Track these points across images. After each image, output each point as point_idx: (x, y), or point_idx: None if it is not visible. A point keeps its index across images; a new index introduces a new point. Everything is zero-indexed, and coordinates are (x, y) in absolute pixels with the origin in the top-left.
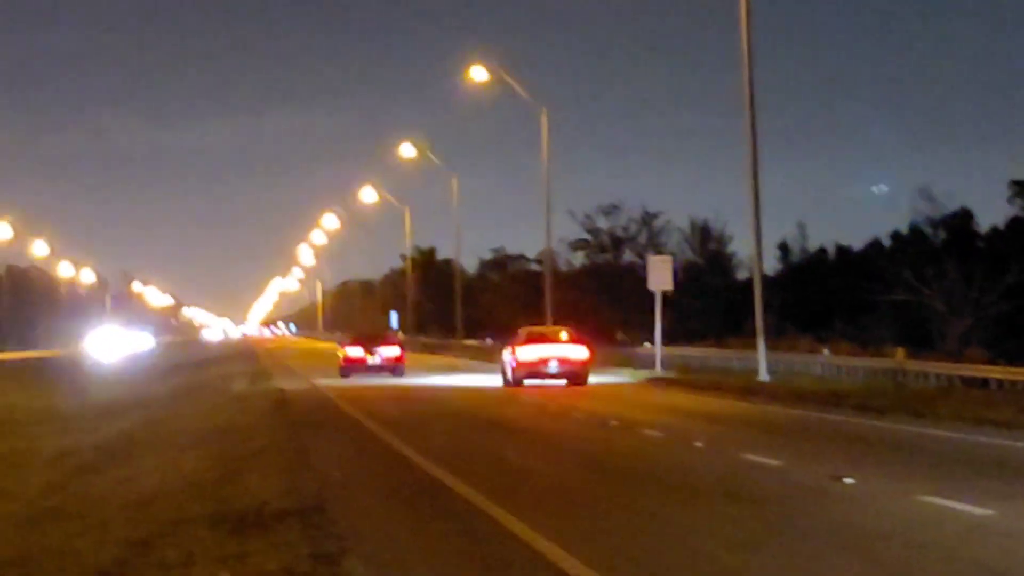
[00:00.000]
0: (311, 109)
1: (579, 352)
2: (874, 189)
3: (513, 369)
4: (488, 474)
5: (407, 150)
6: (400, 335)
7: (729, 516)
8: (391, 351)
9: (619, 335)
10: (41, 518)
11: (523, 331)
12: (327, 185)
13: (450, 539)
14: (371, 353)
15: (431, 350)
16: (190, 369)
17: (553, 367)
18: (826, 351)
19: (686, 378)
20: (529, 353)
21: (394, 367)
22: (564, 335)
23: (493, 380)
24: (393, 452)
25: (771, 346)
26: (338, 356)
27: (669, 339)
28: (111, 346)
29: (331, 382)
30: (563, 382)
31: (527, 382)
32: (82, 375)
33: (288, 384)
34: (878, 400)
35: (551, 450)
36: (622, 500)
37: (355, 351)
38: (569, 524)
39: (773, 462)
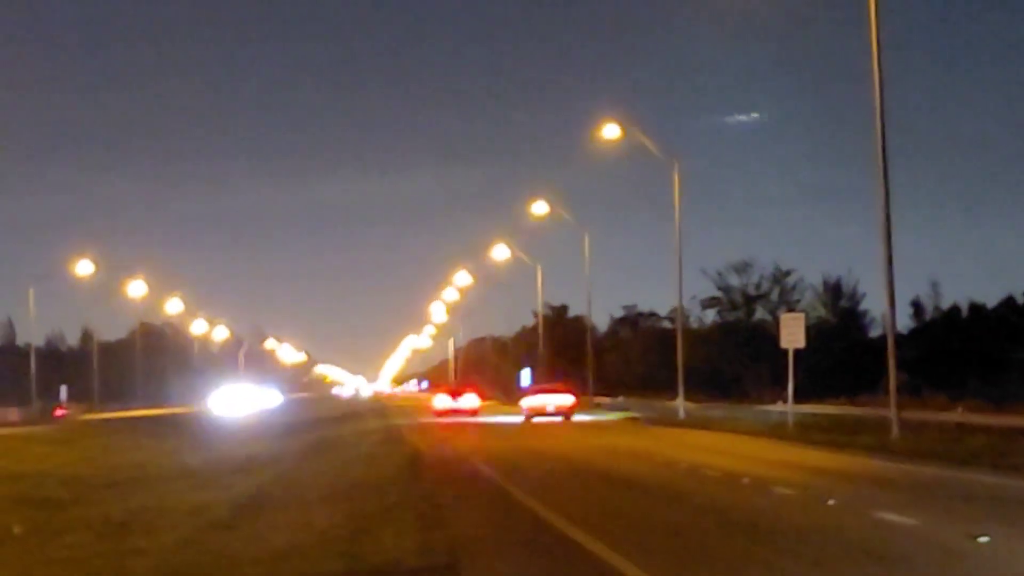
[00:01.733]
0: (443, 166)
1: (567, 399)
2: None
3: (526, 411)
4: (618, 530)
5: (539, 207)
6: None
7: (859, 574)
8: (470, 401)
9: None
10: (175, 574)
11: (532, 387)
12: (459, 242)
13: None
14: (456, 398)
15: None
16: (322, 425)
17: (550, 408)
18: (960, 409)
19: (818, 436)
20: (533, 402)
21: (473, 413)
22: (559, 388)
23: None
24: (524, 508)
25: (904, 404)
26: (423, 401)
27: (801, 396)
28: (237, 402)
29: (457, 436)
30: (559, 418)
31: (536, 420)
32: (212, 431)
33: (418, 439)
34: (1013, 458)
35: (683, 507)
36: (758, 558)
37: (444, 399)
38: None
39: (908, 521)
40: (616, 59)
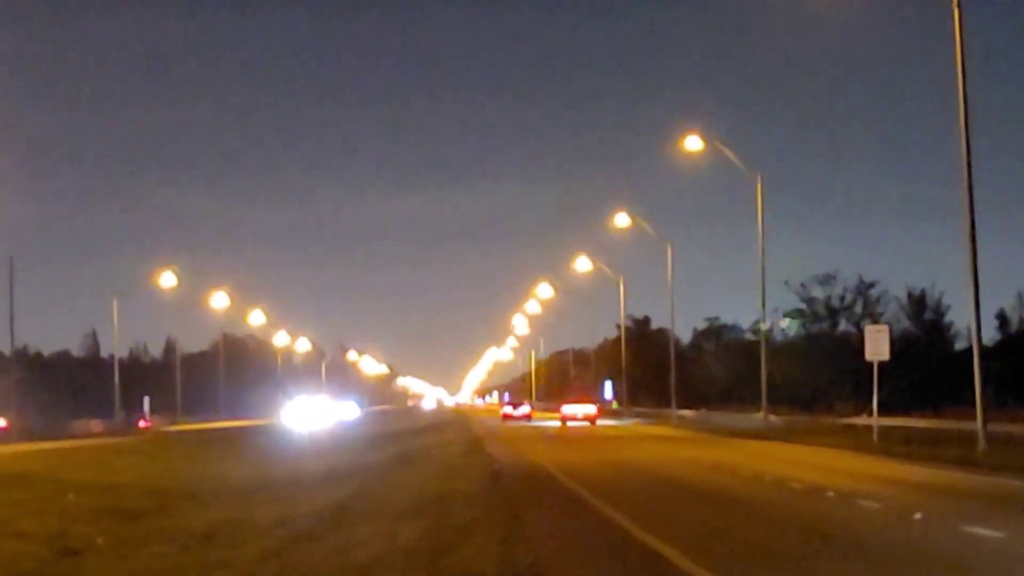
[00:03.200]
0: (526, 179)
1: (591, 409)
2: None
3: (562, 417)
4: (704, 544)
5: (621, 219)
6: (615, 404)
7: None
8: (524, 409)
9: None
10: None
11: (568, 400)
12: (541, 254)
13: None
14: (516, 408)
15: (642, 419)
16: (404, 437)
17: (580, 415)
18: None
19: (903, 449)
20: (568, 410)
21: (528, 417)
22: (586, 400)
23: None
24: (607, 521)
25: (990, 417)
26: (498, 411)
27: (885, 409)
28: (312, 415)
29: (542, 450)
30: (586, 423)
31: (569, 424)
32: (292, 444)
33: (498, 451)
34: None
35: (769, 520)
36: (844, 572)
37: (508, 408)
38: None
39: (995, 534)
40: (699, 71)
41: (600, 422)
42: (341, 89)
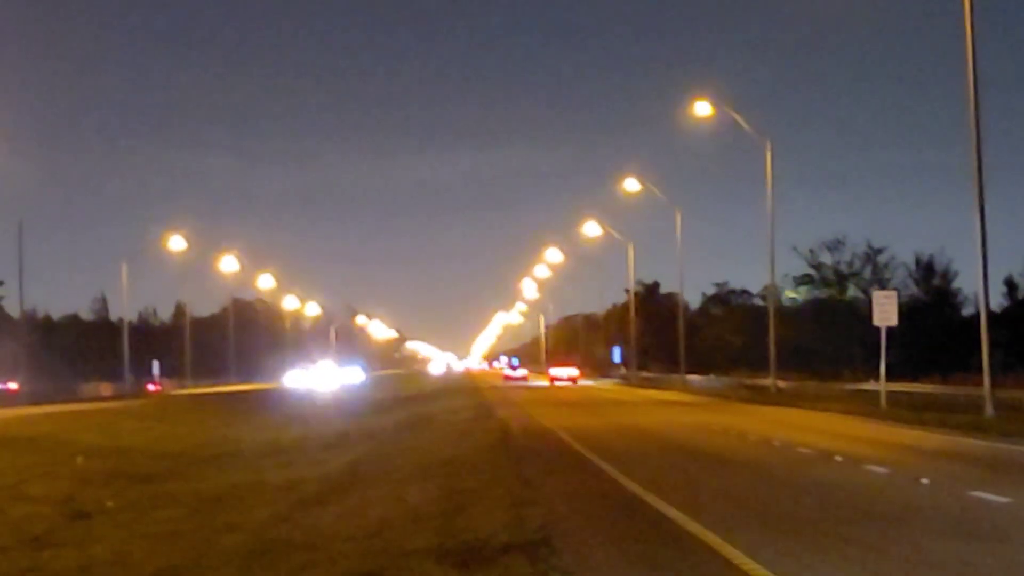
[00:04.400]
0: (535, 144)
1: (574, 371)
2: None
3: (551, 379)
4: (714, 508)
5: (631, 184)
6: (622, 369)
7: (955, 553)
8: (522, 371)
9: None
10: (268, 550)
11: (553, 363)
12: (550, 219)
13: None
14: (514, 370)
15: (652, 385)
16: (413, 402)
17: (564, 376)
18: None
19: (911, 414)
20: (554, 372)
21: (525, 378)
22: (570, 364)
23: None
24: (616, 485)
25: (998, 383)
26: (500, 373)
27: (893, 375)
28: (316, 379)
29: (551, 415)
30: (569, 383)
31: (556, 383)
32: (300, 407)
33: (508, 415)
34: None
35: (778, 484)
36: (852, 536)
37: (508, 370)
38: (797, 558)
39: (1002, 499)
40: (710, 37)
41: (607, 386)
42: (352, 52)
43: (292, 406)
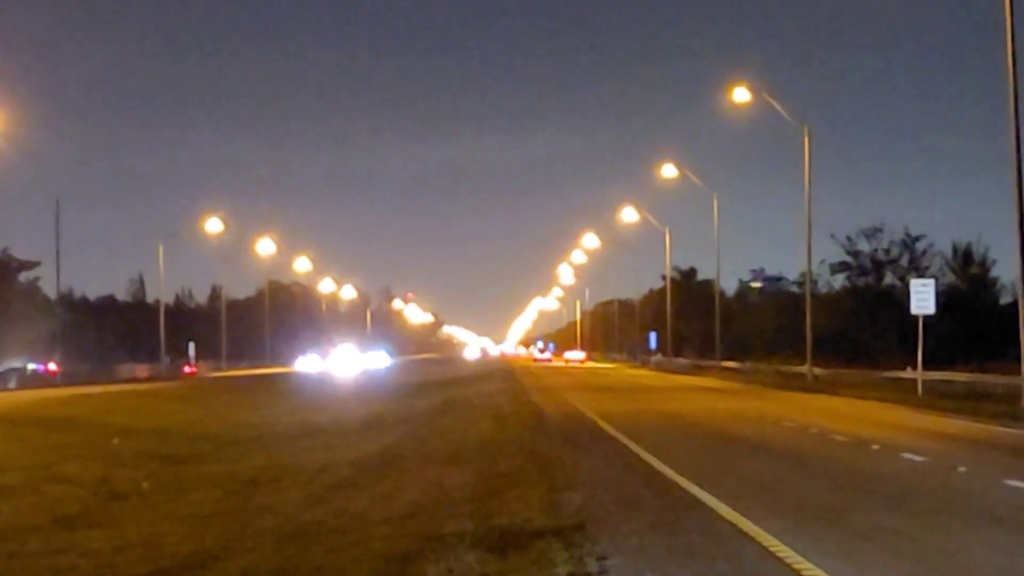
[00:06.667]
0: (572, 128)
1: (582, 355)
2: None
3: (566, 361)
4: (749, 494)
5: (668, 170)
6: (658, 355)
7: (992, 541)
8: (547, 355)
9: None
10: (302, 532)
11: (569, 349)
12: (587, 205)
13: (715, 564)
14: (541, 353)
15: (688, 371)
16: (448, 386)
17: (574, 359)
18: None
19: (947, 403)
20: (568, 355)
21: (550, 360)
22: (580, 349)
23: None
24: (652, 471)
25: None
26: (532, 355)
27: (930, 363)
28: (337, 364)
29: (586, 399)
30: (579, 364)
31: (571, 364)
32: (316, 393)
33: (542, 399)
34: None
35: (813, 472)
36: (888, 524)
37: (537, 353)
38: (832, 546)
39: None
40: (748, 23)
41: (644, 372)
42: (388, 36)
43: (308, 391)
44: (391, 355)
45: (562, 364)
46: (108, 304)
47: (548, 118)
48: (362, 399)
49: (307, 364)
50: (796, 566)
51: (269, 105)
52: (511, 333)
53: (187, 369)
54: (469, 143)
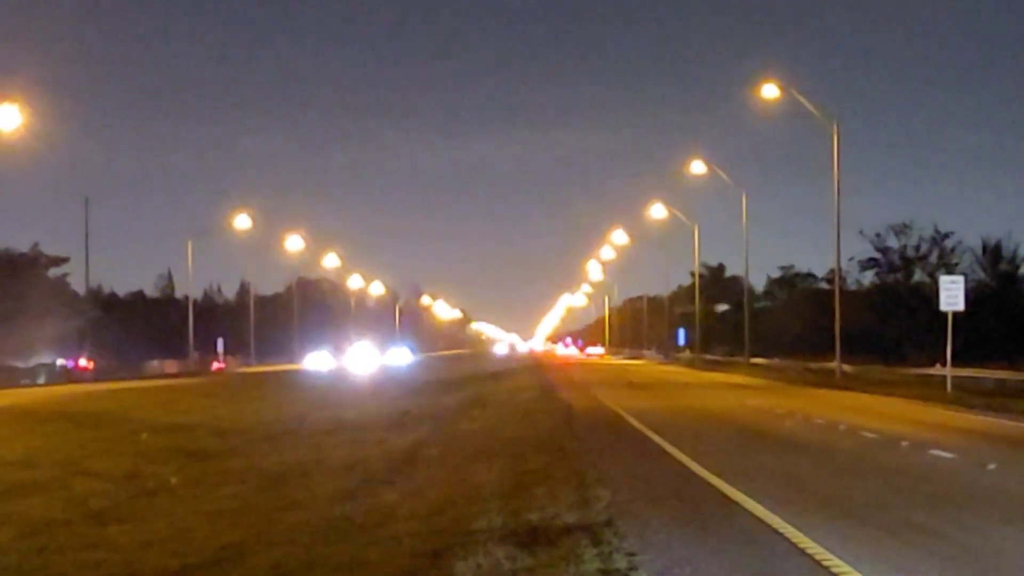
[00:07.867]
0: (602, 125)
1: (600, 350)
2: None
3: (586, 355)
4: (778, 491)
5: (697, 167)
6: (687, 352)
7: (1021, 539)
8: (573, 350)
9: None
10: (332, 528)
11: (587, 344)
12: (616, 201)
13: (744, 561)
14: (566, 347)
15: (716, 367)
16: (476, 382)
17: (594, 354)
18: None
19: (977, 400)
20: (588, 350)
21: (575, 355)
22: (598, 344)
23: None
24: (682, 468)
25: None
26: (557, 352)
27: (959, 360)
28: (354, 361)
29: (615, 396)
30: (597, 357)
31: (590, 358)
32: (356, 387)
33: (571, 395)
34: None
35: (842, 468)
36: (917, 522)
37: (561, 348)
38: (863, 543)
39: None
40: (777, 19)
41: (673, 368)
42: (415, 33)
43: (325, 388)
44: (413, 352)
45: (583, 358)
46: (137, 300)
47: (578, 115)
48: (388, 396)
49: (317, 361)
50: (826, 563)
51: (300, 102)
52: (539, 330)
53: (215, 365)
54: (499, 140)
